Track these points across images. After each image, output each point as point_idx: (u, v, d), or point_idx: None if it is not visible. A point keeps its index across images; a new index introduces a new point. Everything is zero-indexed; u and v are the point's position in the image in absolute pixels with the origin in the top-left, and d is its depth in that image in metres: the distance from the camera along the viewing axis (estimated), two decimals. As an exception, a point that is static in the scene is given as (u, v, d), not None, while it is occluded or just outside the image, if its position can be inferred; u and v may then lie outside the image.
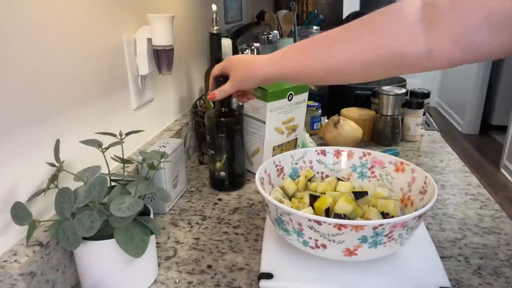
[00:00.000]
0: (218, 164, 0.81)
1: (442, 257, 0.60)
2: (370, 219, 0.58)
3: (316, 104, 1.13)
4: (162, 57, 0.75)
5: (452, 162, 0.96)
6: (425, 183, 0.61)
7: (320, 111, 1.14)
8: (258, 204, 0.78)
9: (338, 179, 0.70)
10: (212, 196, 0.82)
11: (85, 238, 0.49)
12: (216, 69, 0.72)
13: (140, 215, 0.53)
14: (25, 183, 0.52)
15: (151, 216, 0.55)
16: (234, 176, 0.83)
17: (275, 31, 1.66)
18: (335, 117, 1.04)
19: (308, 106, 1.07)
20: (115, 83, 0.72)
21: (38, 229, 0.52)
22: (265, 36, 1.61)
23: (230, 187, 0.83)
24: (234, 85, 0.68)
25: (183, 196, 0.82)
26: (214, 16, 0.95)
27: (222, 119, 0.78)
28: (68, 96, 0.59)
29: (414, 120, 1.08)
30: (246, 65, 0.65)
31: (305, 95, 0.91)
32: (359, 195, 0.64)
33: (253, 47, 1.38)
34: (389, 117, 1.06)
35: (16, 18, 0.48)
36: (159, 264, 0.60)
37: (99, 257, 0.51)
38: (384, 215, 0.60)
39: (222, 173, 0.81)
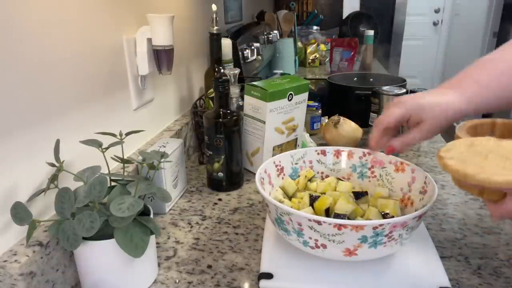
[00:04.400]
0: (216, 165, 0.81)
1: (442, 257, 0.60)
2: (370, 219, 0.58)
3: (316, 104, 1.13)
4: (162, 57, 0.75)
5: (452, 162, 0.96)
6: (425, 183, 0.61)
7: (320, 111, 1.14)
8: (258, 204, 0.78)
9: (338, 179, 0.70)
10: (212, 196, 0.82)
11: (85, 238, 0.49)
12: (392, 117, 0.58)
13: (140, 215, 0.53)
14: (25, 183, 0.52)
15: (151, 216, 0.55)
16: (232, 177, 0.83)
17: (275, 31, 1.67)
18: (335, 117, 1.04)
19: (308, 106, 1.07)
20: (115, 83, 0.72)
21: (38, 229, 0.52)
22: (265, 36, 1.61)
23: (227, 187, 0.83)
24: (423, 136, 0.57)
25: (183, 196, 0.82)
26: (214, 16, 0.95)
27: (221, 120, 0.78)
28: (68, 96, 0.59)
29: (414, 120, 1.08)
30: (433, 111, 0.55)
31: (305, 95, 0.91)
32: (359, 195, 0.64)
33: (253, 47, 1.39)
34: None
35: (16, 18, 0.48)
36: (159, 264, 0.61)
37: (99, 257, 0.51)
38: (384, 215, 0.60)
39: (220, 174, 0.81)
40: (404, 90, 1.06)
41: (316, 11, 2.63)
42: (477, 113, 0.56)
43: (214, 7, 0.93)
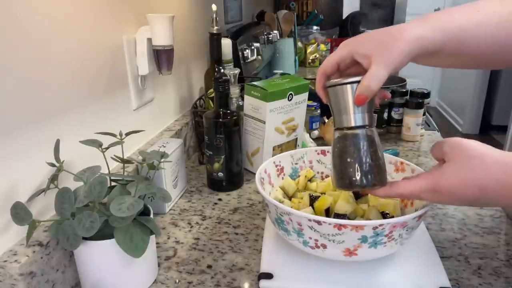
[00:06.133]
0: (216, 165, 0.81)
1: (442, 257, 0.60)
2: (370, 219, 0.58)
3: (315, 104, 1.13)
4: (162, 57, 0.75)
5: (452, 162, 0.96)
6: (425, 183, 0.60)
7: (319, 111, 1.14)
8: (258, 204, 0.78)
9: (338, 179, 0.70)
10: (212, 196, 0.81)
11: (85, 238, 0.49)
12: (330, 60, 0.50)
13: (140, 215, 0.53)
14: (25, 183, 0.52)
15: (151, 216, 0.55)
16: (232, 177, 0.83)
17: (275, 31, 1.67)
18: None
19: (307, 106, 1.07)
20: (115, 83, 0.72)
21: (38, 229, 0.52)
22: (265, 36, 1.61)
23: (227, 187, 0.83)
24: (389, 65, 0.45)
25: (183, 196, 0.82)
26: (214, 16, 0.95)
27: (221, 120, 0.78)
28: (68, 96, 0.59)
29: (414, 120, 1.08)
30: (386, 41, 0.46)
31: (305, 95, 0.91)
32: (359, 195, 0.64)
33: (253, 47, 1.39)
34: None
35: (16, 18, 0.48)
36: (159, 264, 0.60)
37: (99, 257, 0.51)
38: (384, 215, 0.60)
39: (220, 174, 0.81)
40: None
41: (316, 11, 2.63)
42: (444, 45, 0.47)
43: (214, 7, 0.93)
